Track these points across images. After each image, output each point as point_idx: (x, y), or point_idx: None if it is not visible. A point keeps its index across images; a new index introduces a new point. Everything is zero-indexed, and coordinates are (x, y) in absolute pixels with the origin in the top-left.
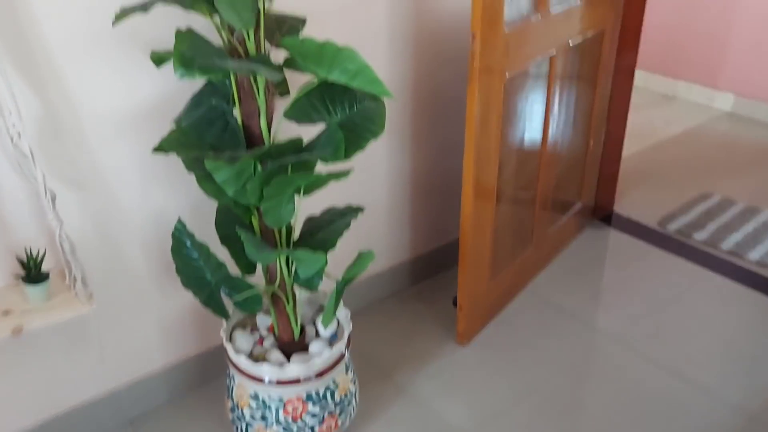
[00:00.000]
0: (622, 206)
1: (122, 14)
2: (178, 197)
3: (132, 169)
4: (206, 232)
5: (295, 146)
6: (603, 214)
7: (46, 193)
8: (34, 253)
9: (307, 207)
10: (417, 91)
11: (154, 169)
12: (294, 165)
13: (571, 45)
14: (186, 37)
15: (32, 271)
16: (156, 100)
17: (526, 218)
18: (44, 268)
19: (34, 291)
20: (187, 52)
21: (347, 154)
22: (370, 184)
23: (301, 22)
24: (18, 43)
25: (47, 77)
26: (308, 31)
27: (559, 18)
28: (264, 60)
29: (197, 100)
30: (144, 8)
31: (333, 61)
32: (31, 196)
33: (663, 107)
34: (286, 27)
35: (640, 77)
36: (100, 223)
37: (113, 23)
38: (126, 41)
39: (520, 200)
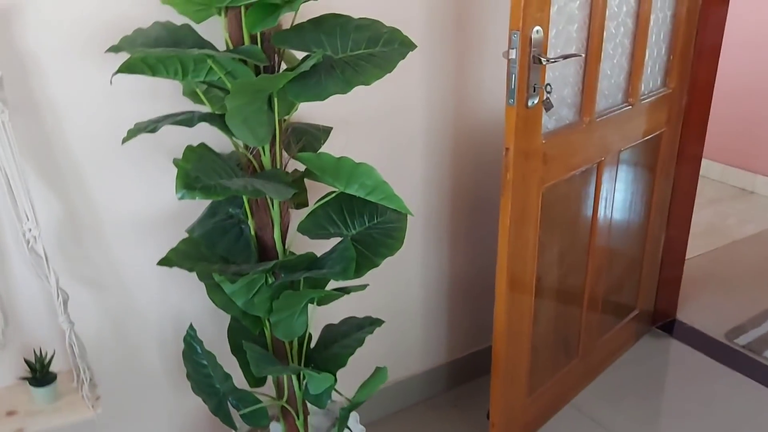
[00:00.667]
0: (685, 313)
1: (130, 135)
2: (195, 300)
3: (150, 271)
4: (222, 338)
5: (307, 261)
6: (663, 322)
7: (58, 295)
8: (44, 354)
9: (331, 309)
10: (455, 191)
11: (172, 272)
12: (306, 279)
13: (622, 151)
14: (193, 154)
15: (38, 373)
16: (177, 204)
17: (571, 325)
18: (55, 368)
19: (39, 393)
20: (192, 171)
21: (359, 273)
22: (404, 285)
23: (324, 132)
24: (43, 151)
25: (70, 181)
26: (334, 139)
27: (608, 124)
28: (277, 176)
29: (214, 208)
30: (152, 129)
31: (350, 177)
32: (46, 296)
33: (739, 202)
34: (306, 139)
35: (716, 170)
36: (116, 323)
37: (122, 142)
38: (149, 147)
39: (564, 305)
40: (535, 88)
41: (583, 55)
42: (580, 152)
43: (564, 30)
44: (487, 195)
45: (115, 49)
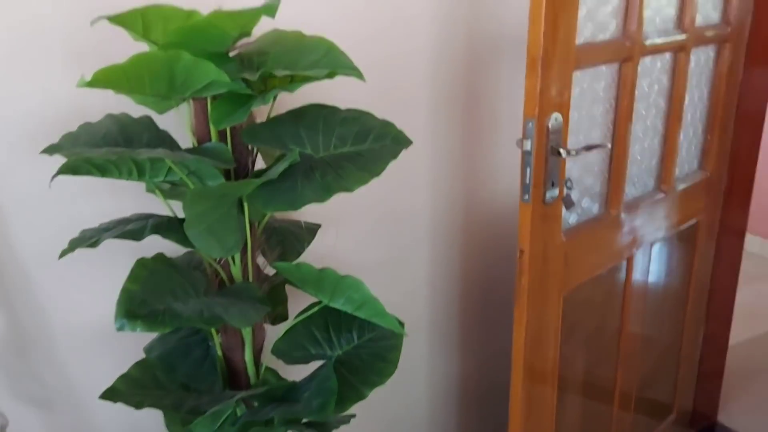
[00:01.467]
0: (728, 414)
1: (70, 247)
2: (160, 419)
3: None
4: None
5: (283, 390)
6: (703, 425)
7: None
8: None
9: None
10: (465, 287)
11: None
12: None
13: (654, 243)
14: (143, 271)
15: None
16: None
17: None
18: None
19: None
20: (139, 294)
21: (341, 407)
22: (406, 391)
23: (309, 232)
24: None
25: (17, 293)
26: (339, 238)
27: (638, 215)
28: (247, 291)
29: None
30: (93, 244)
31: (335, 290)
32: None
33: None
34: (286, 242)
35: (756, 243)
36: None
37: (59, 256)
38: (108, 247)
39: (592, 412)
40: (553, 182)
41: (609, 145)
42: (607, 249)
43: (587, 113)
44: (500, 294)
45: (51, 149)
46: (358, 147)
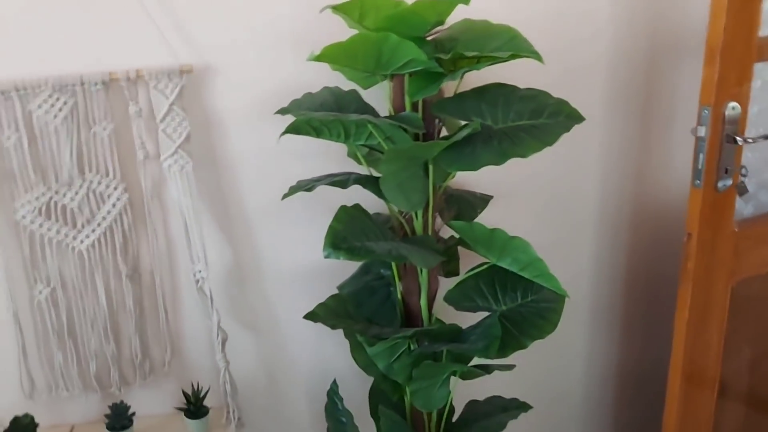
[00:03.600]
0: None
1: (290, 192)
2: (344, 358)
3: (304, 323)
4: (365, 398)
5: (450, 332)
6: None
7: (218, 334)
8: (200, 388)
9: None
10: (631, 276)
11: (324, 326)
12: (450, 351)
13: None
14: (345, 215)
15: (193, 406)
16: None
17: None
18: (208, 403)
19: (192, 424)
20: (342, 232)
21: (503, 352)
22: (565, 373)
23: (482, 201)
24: (219, 201)
25: (239, 231)
26: (503, 209)
27: None
28: (426, 242)
29: (367, 267)
30: (310, 188)
31: (504, 250)
32: (208, 334)
33: None
34: (462, 206)
35: None
36: (268, 369)
37: (282, 198)
38: (313, 204)
39: (758, 418)
40: (727, 170)
41: None
42: None
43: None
44: (670, 284)
45: (283, 111)
46: (534, 121)
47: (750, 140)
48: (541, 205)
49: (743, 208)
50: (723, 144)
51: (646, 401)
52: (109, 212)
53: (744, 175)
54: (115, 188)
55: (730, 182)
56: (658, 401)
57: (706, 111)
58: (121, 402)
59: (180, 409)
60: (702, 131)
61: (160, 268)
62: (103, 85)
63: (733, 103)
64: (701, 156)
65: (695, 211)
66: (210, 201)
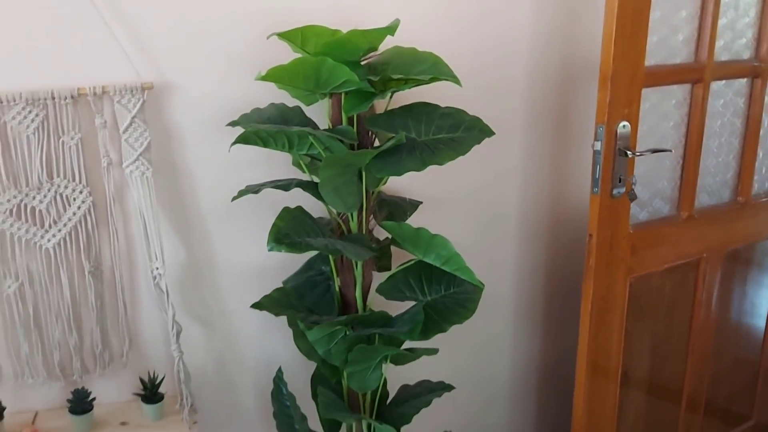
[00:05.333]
0: None
1: (240, 194)
2: (290, 345)
3: (254, 316)
4: (307, 384)
5: (380, 319)
6: None
7: (173, 326)
8: (156, 376)
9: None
10: (549, 276)
11: (271, 318)
12: (381, 336)
13: (728, 249)
14: (287, 214)
15: (149, 391)
16: (279, 258)
17: (666, 426)
18: (163, 390)
19: (148, 409)
20: (284, 228)
21: (425, 335)
22: (493, 361)
23: (412, 206)
24: (176, 204)
25: (195, 231)
26: (436, 214)
27: (711, 221)
28: (360, 239)
29: (309, 264)
30: (256, 191)
31: (428, 246)
32: (163, 327)
33: None
34: (393, 210)
35: None
36: (218, 359)
37: (232, 199)
38: (260, 208)
39: (658, 402)
40: (620, 179)
41: (672, 150)
42: (677, 246)
43: (659, 126)
44: (581, 280)
45: (233, 123)
46: (452, 135)
47: (638, 153)
48: (469, 211)
49: (639, 213)
50: (616, 157)
51: (564, 385)
52: (74, 214)
53: (634, 184)
54: (81, 192)
55: (623, 190)
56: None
57: (600, 128)
58: (83, 388)
59: (137, 394)
60: (598, 146)
61: (120, 266)
62: (72, 99)
63: (624, 122)
64: (598, 167)
65: (594, 215)
66: (168, 204)
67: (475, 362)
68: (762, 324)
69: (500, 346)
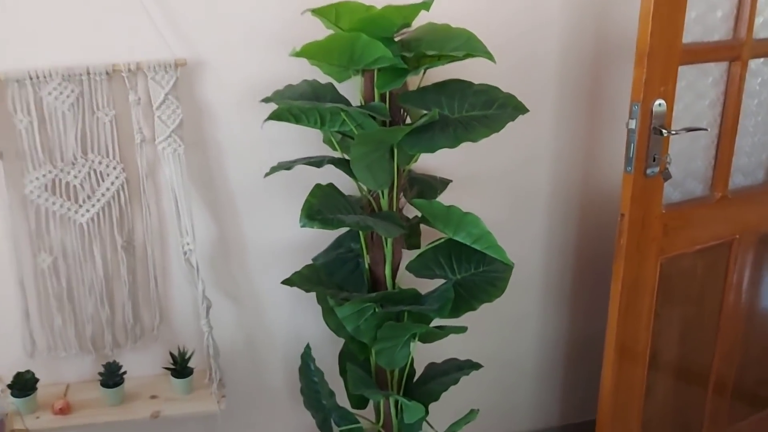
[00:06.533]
0: None
1: (272, 170)
2: (316, 324)
3: (281, 293)
4: (335, 361)
5: (410, 296)
6: None
7: (203, 301)
8: (186, 351)
9: (444, 351)
10: (580, 253)
11: (299, 296)
12: (410, 314)
13: (762, 232)
14: (319, 191)
15: (179, 366)
16: (308, 235)
17: (693, 408)
18: (193, 365)
19: (177, 383)
20: (316, 205)
21: (455, 313)
22: (520, 339)
23: (442, 184)
24: (207, 181)
25: (225, 208)
26: (466, 192)
27: (745, 201)
28: (390, 217)
29: (339, 242)
30: (289, 167)
31: (459, 224)
32: (194, 302)
33: None
34: (423, 188)
35: None
36: (247, 334)
37: (265, 176)
38: (290, 185)
39: (685, 384)
40: (655, 158)
41: (708, 129)
42: (709, 227)
43: (694, 104)
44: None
45: (267, 100)
46: (485, 112)
47: (674, 132)
48: (499, 190)
49: (671, 193)
50: (651, 136)
51: (591, 365)
52: (108, 189)
53: (669, 163)
54: (114, 168)
55: (657, 169)
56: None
57: (636, 107)
58: (114, 362)
59: (167, 368)
60: (633, 124)
61: (152, 241)
62: (107, 75)
63: (659, 100)
64: (632, 146)
65: (627, 194)
66: (199, 181)
67: (501, 340)
68: None
69: (528, 325)
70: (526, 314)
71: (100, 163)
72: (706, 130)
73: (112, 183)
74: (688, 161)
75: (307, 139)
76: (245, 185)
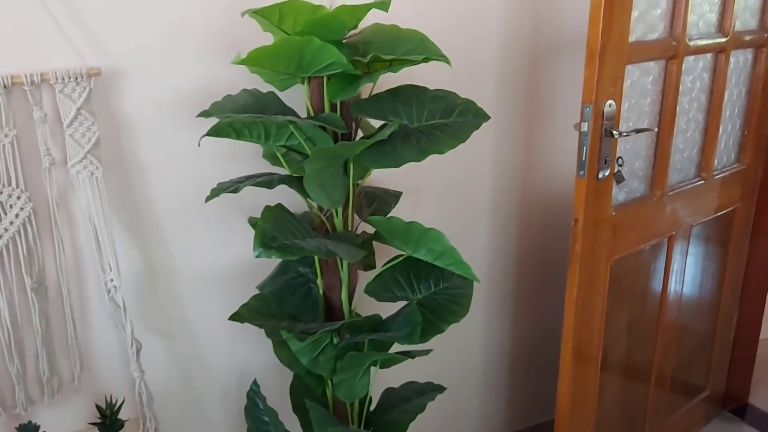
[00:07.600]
0: (759, 397)
1: (213, 193)
2: (259, 357)
3: (219, 325)
4: (283, 396)
5: (373, 323)
6: (734, 405)
7: (132, 344)
8: (114, 401)
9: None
10: (521, 259)
11: (239, 327)
12: (371, 341)
13: (694, 226)
14: (270, 214)
15: (107, 419)
16: (247, 261)
17: (637, 403)
18: (123, 415)
19: None
20: (270, 231)
21: (424, 338)
22: (465, 352)
23: (395, 197)
24: (129, 206)
25: (151, 236)
26: (405, 201)
27: (679, 198)
28: (348, 238)
29: (285, 267)
30: (234, 189)
31: (419, 241)
32: (120, 345)
33: None
34: (377, 202)
35: None
36: (184, 374)
37: (206, 200)
38: (225, 206)
39: (630, 381)
40: (606, 160)
41: (656, 129)
42: (651, 225)
43: (637, 104)
44: (553, 265)
45: (206, 114)
46: (446, 120)
47: (624, 134)
48: (440, 196)
49: (617, 193)
50: (602, 138)
51: (536, 370)
52: (11, 223)
53: (620, 165)
54: (18, 198)
55: (608, 172)
56: (546, 369)
57: (587, 108)
58: (29, 422)
59: (94, 424)
60: (585, 126)
61: (67, 280)
62: (4, 89)
63: (610, 101)
64: (585, 149)
65: (581, 199)
66: (121, 208)
67: (449, 356)
68: (716, 298)
69: (473, 336)
70: (470, 325)
71: (0, 193)
72: (653, 130)
73: (17, 215)
74: (631, 161)
75: (240, 154)
76: (173, 209)
